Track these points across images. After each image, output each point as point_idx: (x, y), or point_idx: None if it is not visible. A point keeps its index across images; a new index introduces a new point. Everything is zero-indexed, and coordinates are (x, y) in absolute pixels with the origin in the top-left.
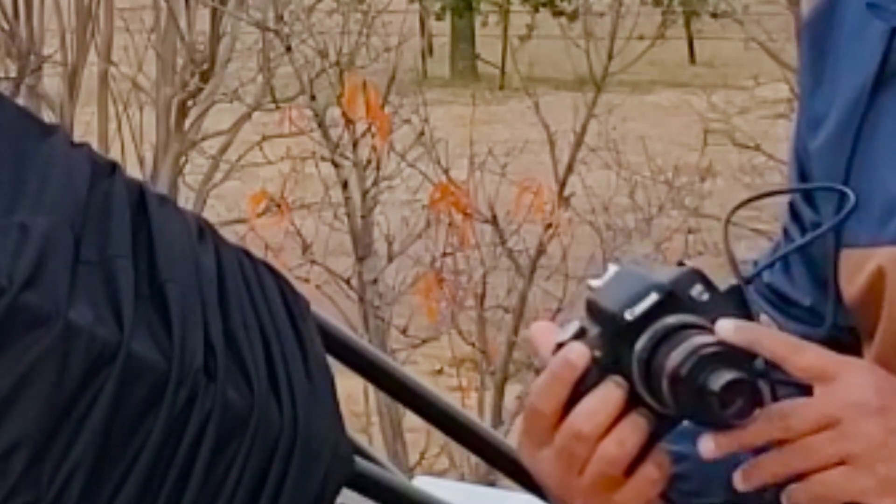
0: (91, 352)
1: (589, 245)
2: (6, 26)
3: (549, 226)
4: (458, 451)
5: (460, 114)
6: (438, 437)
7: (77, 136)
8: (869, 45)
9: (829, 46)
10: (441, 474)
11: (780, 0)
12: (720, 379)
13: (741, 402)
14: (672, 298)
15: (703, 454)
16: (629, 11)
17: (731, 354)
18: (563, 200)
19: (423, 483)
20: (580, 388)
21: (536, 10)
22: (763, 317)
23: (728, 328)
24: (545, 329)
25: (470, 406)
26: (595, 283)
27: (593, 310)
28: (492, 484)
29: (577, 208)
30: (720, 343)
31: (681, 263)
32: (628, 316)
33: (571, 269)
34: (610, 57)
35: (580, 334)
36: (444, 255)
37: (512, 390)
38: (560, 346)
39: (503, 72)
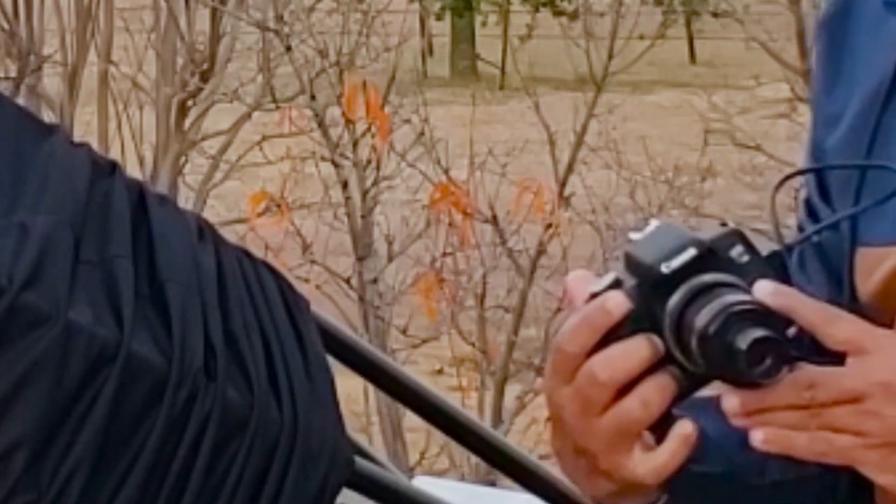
0: (91, 352)
1: (589, 245)
2: (6, 26)
3: (550, 226)
4: (458, 451)
5: (460, 114)
6: (438, 437)
7: (77, 136)
8: (885, 44)
9: (845, 45)
10: (441, 474)
11: (781, 0)
12: (748, 336)
13: (769, 360)
14: (710, 256)
15: (727, 412)
16: (629, 11)
17: (762, 314)
18: (564, 200)
19: (423, 483)
20: (609, 337)
21: (536, 10)
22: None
23: (766, 290)
24: (581, 277)
25: (470, 406)
26: (635, 235)
27: (630, 262)
28: (492, 484)
29: (577, 208)
30: (753, 302)
31: (723, 224)
32: (664, 269)
33: (571, 269)
34: (610, 57)
35: (615, 285)
36: (445, 255)
37: (512, 390)
38: (594, 295)
39: (503, 72)
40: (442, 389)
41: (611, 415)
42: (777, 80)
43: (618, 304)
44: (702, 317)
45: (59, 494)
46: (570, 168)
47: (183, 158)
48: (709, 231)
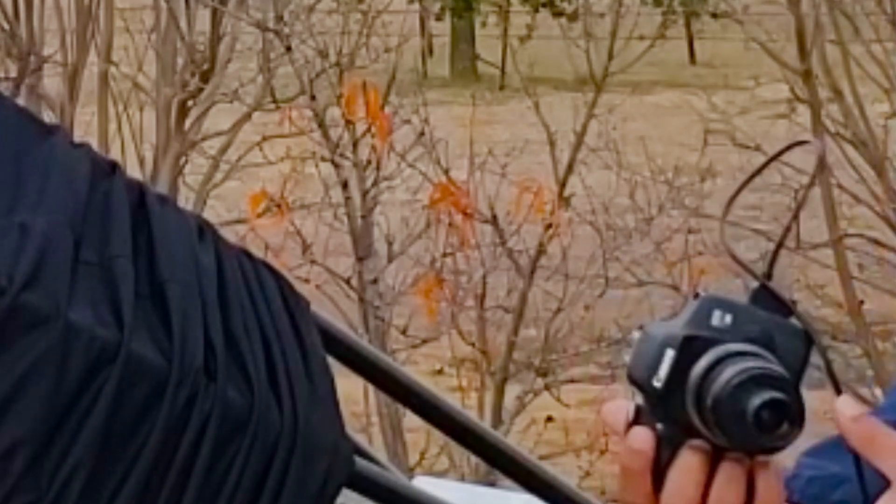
0: (91, 352)
1: (589, 245)
2: (6, 26)
3: (549, 226)
4: (458, 451)
5: (460, 114)
6: (438, 437)
7: (77, 136)
8: None
9: None
10: (441, 474)
11: (781, 0)
12: (756, 400)
13: (785, 425)
14: (692, 341)
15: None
16: (629, 11)
17: (767, 375)
18: (563, 200)
19: (423, 483)
20: (659, 468)
21: (536, 11)
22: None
23: (845, 416)
24: (614, 410)
25: (470, 406)
26: (626, 355)
27: (632, 384)
28: (492, 484)
29: (577, 208)
30: (754, 368)
31: (696, 295)
32: (657, 383)
33: (571, 269)
34: (610, 57)
35: (637, 414)
36: (445, 255)
37: (512, 390)
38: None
39: (503, 72)
40: (442, 389)
41: None
42: (777, 81)
43: (643, 439)
44: (712, 398)
45: (59, 494)
46: (569, 168)
47: (183, 159)
48: (685, 311)
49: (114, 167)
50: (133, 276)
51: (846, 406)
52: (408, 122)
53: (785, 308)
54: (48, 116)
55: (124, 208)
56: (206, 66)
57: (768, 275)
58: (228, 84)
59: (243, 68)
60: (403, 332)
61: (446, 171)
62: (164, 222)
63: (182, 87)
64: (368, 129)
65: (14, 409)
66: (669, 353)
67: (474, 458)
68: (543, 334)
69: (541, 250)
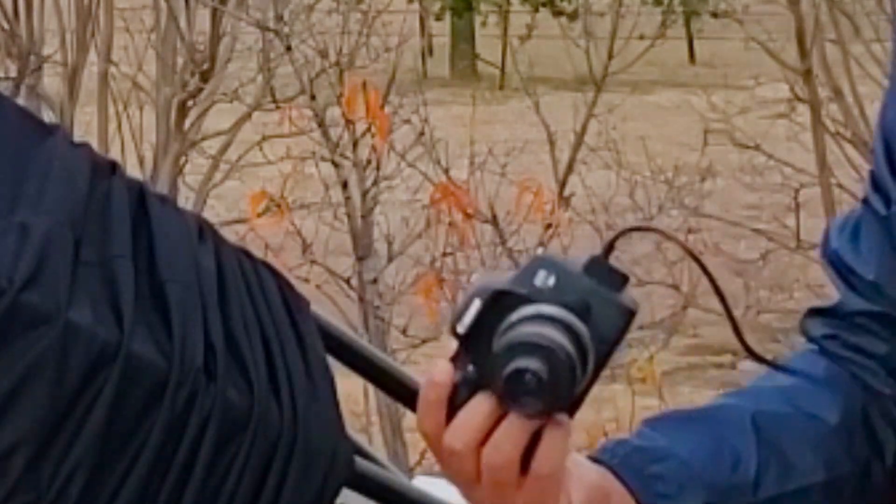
0: (91, 352)
1: (589, 245)
2: (6, 26)
3: (549, 226)
4: None
5: (460, 114)
6: None
7: (77, 136)
8: None
9: None
10: (441, 474)
11: (781, 0)
12: (512, 365)
13: (528, 398)
14: (503, 296)
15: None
16: (629, 11)
17: (542, 346)
18: (563, 200)
19: (423, 483)
20: (454, 405)
21: (536, 10)
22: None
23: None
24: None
25: None
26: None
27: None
28: None
29: (577, 208)
30: (537, 335)
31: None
32: (460, 329)
33: None
34: (610, 57)
35: (458, 352)
36: (445, 255)
37: None
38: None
39: (503, 72)
40: None
41: (483, 474)
42: (777, 80)
43: (443, 373)
44: (496, 347)
45: (59, 494)
46: (569, 168)
47: (183, 158)
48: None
49: (114, 167)
50: (133, 276)
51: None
52: (408, 121)
53: (620, 280)
54: (48, 116)
55: (124, 208)
56: (206, 66)
57: (608, 249)
58: (228, 84)
59: (243, 68)
60: (403, 332)
61: (446, 171)
62: (164, 222)
63: (182, 87)
64: (368, 129)
65: (14, 409)
66: (476, 303)
67: None
68: None
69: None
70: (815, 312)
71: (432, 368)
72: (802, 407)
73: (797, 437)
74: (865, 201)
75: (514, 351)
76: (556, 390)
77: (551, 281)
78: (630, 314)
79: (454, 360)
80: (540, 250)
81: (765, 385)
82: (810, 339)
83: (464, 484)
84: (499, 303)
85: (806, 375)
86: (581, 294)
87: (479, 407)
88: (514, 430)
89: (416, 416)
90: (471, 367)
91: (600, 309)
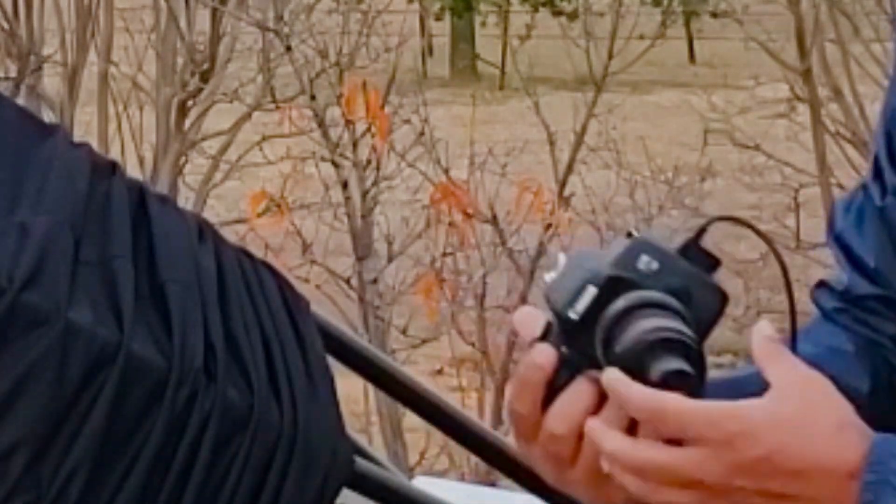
0: (91, 352)
1: (589, 245)
2: (6, 26)
3: (550, 226)
4: (458, 451)
5: (460, 114)
6: (438, 437)
7: (77, 136)
8: None
9: None
10: (441, 474)
11: (781, 0)
12: (662, 366)
13: (682, 393)
14: (615, 282)
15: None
16: (629, 11)
17: (677, 340)
18: (564, 200)
19: (423, 483)
20: (553, 387)
21: (536, 10)
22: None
23: (763, 332)
24: (527, 316)
25: (470, 406)
26: (548, 276)
27: (549, 306)
28: (492, 484)
29: (577, 208)
30: (669, 329)
31: (629, 234)
32: (573, 315)
33: None
34: (610, 57)
35: (546, 331)
36: (445, 255)
37: None
38: (532, 344)
39: (503, 72)
40: (442, 389)
41: (579, 459)
42: (776, 80)
43: (546, 356)
44: (621, 346)
45: (59, 494)
46: (569, 168)
47: (183, 158)
48: (612, 253)
49: (114, 167)
50: (133, 276)
51: (763, 328)
52: (408, 121)
53: (712, 263)
54: (48, 116)
55: (124, 208)
56: (206, 66)
57: (700, 232)
58: (228, 84)
59: (243, 68)
60: (403, 332)
61: (446, 171)
62: (164, 222)
63: (182, 87)
64: (368, 129)
65: (14, 409)
66: (591, 290)
67: (474, 458)
68: None
69: (541, 250)
70: (824, 284)
71: (532, 351)
72: (836, 376)
73: None
74: (864, 187)
75: (657, 349)
76: (700, 382)
77: (654, 265)
78: (725, 297)
79: (546, 337)
80: (635, 231)
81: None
82: (822, 311)
83: (556, 467)
84: (609, 289)
85: (830, 347)
86: (683, 278)
87: (585, 391)
88: (620, 415)
89: (510, 395)
90: (564, 348)
91: (699, 292)
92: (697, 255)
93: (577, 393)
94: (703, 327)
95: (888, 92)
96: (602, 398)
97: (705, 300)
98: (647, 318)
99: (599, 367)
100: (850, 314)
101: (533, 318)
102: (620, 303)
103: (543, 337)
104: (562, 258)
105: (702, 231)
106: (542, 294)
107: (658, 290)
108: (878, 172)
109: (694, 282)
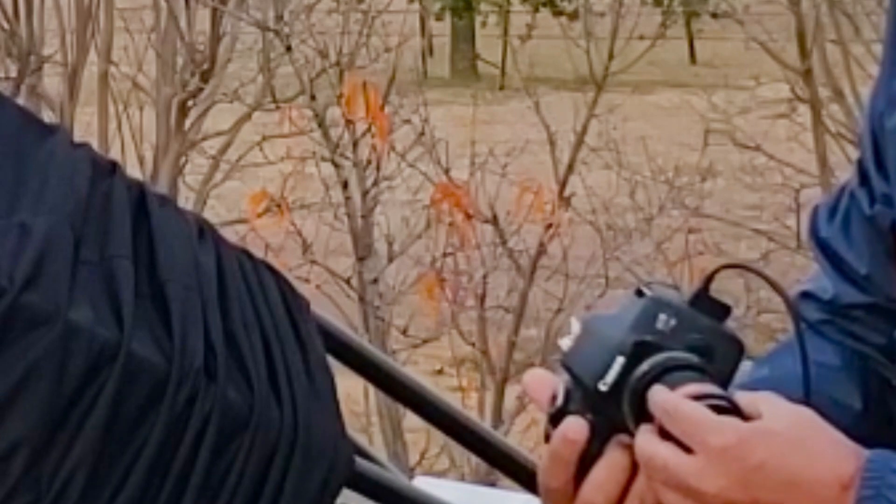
0: (91, 352)
1: (589, 245)
2: (6, 26)
3: (550, 226)
4: (458, 451)
5: (460, 114)
6: (438, 437)
7: (77, 136)
8: None
9: None
10: (441, 474)
11: (781, 0)
12: None
13: None
14: (640, 346)
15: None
16: (629, 11)
17: (709, 395)
18: (564, 200)
19: (423, 483)
20: (585, 457)
21: (536, 10)
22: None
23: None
24: (539, 380)
25: (470, 406)
26: (564, 343)
27: (571, 375)
28: (492, 484)
29: (577, 208)
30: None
31: (639, 292)
32: (602, 387)
33: (572, 269)
34: (610, 57)
35: (567, 398)
36: (445, 255)
37: (512, 390)
38: (554, 416)
39: (503, 72)
40: (442, 389)
41: None
42: (777, 81)
43: (578, 430)
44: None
45: (59, 494)
46: (570, 168)
47: (183, 158)
48: (628, 316)
49: (114, 167)
50: (133, 275)
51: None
52: (408, 121)
53: (724, 311)
54: (48, 116)
55: (124, 208)
56: (206, 66)
57: (708, 280)
58: (228, 84)
59: (243, 68)
60: (403, 332)
61: (447, 171)
62: (164, 222)
63: (182, 87)
64: (368, 129)
65: (14, 409)
66: (619, 360)
67: (474, 458)
68: (544, 334)
69: (541, 250)
70: (808, 295)
71: (562, 426)
72: (826, 393)
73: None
74: (852, 193)
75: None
76: None
77: (673, 322)
78: (741, 347)
79: (568, 406)
80: (645, 289)
81: (780, 373)
82: (807, 323)
83: None
84: (636, 354)
85: (817, 362)
86: (702, 333)
87: (619, 461)
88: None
89: (542, 472)
90: (590, 415)
91: (718, 345)
92: (709, 305)
93: (613, 461)
94: (725, 378)
95: (872, 96)
96: (635, 464)
97: (724, 352)
98: (677, 382)
99: (626, 431)
100: (835, 325)
101: (545, 383)
102: (645, 366)
103: (566, 406)
104: (575, 323)
105: (709, 280)
106: (560, 362)
107: (680, 348)
108: (864, 178)
109: (712, 335)
